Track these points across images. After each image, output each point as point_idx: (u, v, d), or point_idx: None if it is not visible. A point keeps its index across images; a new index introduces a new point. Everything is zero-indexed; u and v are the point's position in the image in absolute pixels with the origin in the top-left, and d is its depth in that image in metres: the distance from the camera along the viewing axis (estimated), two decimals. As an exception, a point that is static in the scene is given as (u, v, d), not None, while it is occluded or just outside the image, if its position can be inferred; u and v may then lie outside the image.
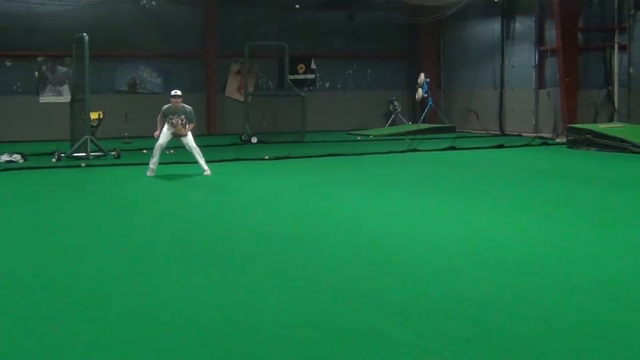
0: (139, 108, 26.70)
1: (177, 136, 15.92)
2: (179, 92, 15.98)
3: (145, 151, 21.25)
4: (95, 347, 5.63)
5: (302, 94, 25.95)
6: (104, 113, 21.91)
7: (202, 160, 16.00)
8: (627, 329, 5.86)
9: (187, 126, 15.83)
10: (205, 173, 15.91)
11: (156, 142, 15.96)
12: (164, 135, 15.91)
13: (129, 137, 24.61)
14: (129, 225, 10.81)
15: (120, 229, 10.47)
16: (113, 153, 19.65)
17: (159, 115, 16.00)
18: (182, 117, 15.83)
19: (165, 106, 16.02)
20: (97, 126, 21.38)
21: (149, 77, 28.12)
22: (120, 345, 5.68)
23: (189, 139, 15.90)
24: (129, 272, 7.95)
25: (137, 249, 9.10)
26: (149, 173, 15.98)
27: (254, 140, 24.25)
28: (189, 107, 15.98)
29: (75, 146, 19.67)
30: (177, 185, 14.99)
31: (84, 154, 19.40)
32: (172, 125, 15.82)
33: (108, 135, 23.85)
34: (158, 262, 8.39)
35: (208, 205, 12.71)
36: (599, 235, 9.57)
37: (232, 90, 29.27)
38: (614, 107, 23.42)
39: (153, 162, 15.99)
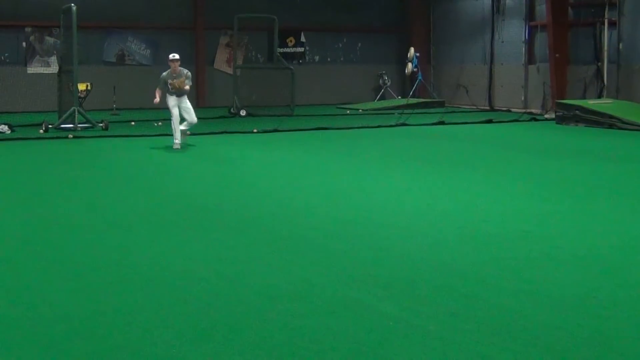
0: (127, 80, 26.56)
1: (179, 92, 15.77)
2: (177, 56, 16.01)
3: (133, 123, 21.18)
4: (81, 319, 5.63)
5: (291, 67, 25.87)
6: (91, 84, 21.80)
7: (185, 126, 16.06)
8: (611, 304, 5.89)
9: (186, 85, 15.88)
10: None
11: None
12: (173, 103, 15.84)
13: (117, 109, 24.52)
14: (115, 196, 10.78)
15: (108, 201, 10.43)
16: (101, 125, 19.57)
17: (159, 84, 15.99)
18: (182, 79, 15.86)
19: (165, 72, 16.00)
20: (84, 97, 21.28)
21: (137, 48, 27.93)
22: (106, 316, 5.68)
23: (188, 103, 15.97)
24: (116, 244, 7.94)
25: (124, 221, 9.08)
26: (175, 147, 15.93)
27: (243, 113, 24.19)
28: (187, 70, 16.06)
29: (63, 117, 19.58)
30: (167, 157, 14.94)
31: (71, 126, 19.32)
32: (172, 85, 15.79)
33: (96, 106, 23.73)
34: (144, 234, 8.39)
35: (197, 177, 12.67)
36: (584, 211, 9.61)
37: (221, 62, 29.13)
38: (603, 83, 23.42)
39: (176, 135, 15.99)
